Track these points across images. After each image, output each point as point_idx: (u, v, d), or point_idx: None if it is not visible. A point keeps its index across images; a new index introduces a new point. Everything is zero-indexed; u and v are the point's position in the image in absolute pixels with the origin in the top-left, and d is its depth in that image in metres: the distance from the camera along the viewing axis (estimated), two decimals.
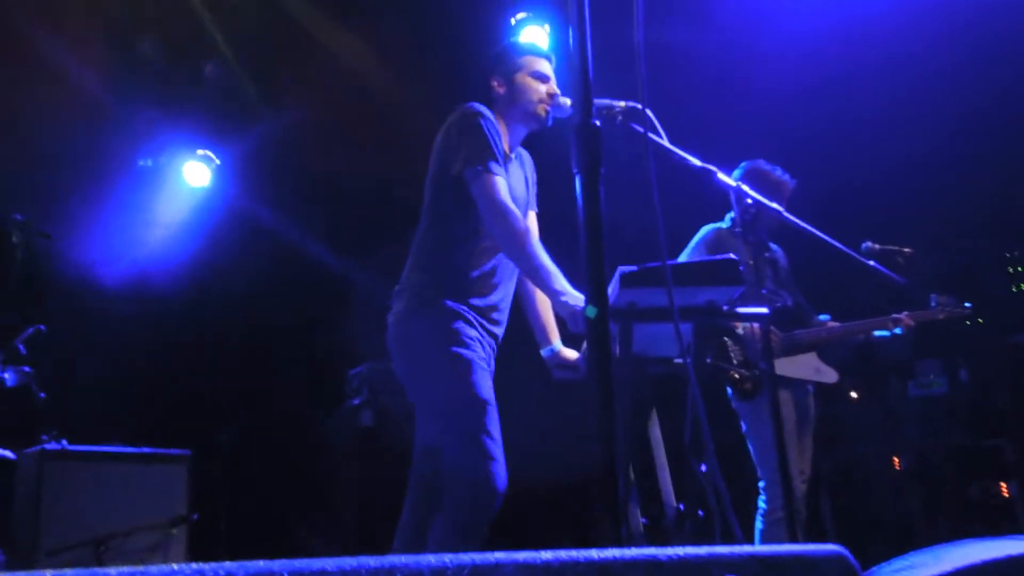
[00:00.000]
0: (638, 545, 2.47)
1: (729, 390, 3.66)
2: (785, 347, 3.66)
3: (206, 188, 6.16)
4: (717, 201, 3.70)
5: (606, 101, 2.56)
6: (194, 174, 6.11)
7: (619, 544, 1.43)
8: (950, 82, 5.34)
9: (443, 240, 2.63)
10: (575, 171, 1.64)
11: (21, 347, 4.18)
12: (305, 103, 5.80)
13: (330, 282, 6.44)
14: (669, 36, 4.24)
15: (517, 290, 2.80)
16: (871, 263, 3.25)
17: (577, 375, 2.79)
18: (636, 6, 1.94)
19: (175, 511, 4.21)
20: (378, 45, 5.62)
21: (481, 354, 2.53)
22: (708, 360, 3.38)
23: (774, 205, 3.01)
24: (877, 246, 3.56)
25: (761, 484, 3.63)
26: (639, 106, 2.40)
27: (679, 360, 2.63)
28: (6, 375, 4.13)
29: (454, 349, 2.47)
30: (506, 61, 2.80)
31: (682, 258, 3.75)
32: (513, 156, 2.78)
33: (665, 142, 2.59)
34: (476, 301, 2.59)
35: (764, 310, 2.58)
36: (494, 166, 2.52)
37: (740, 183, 2.89)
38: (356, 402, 5.56)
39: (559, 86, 2.79)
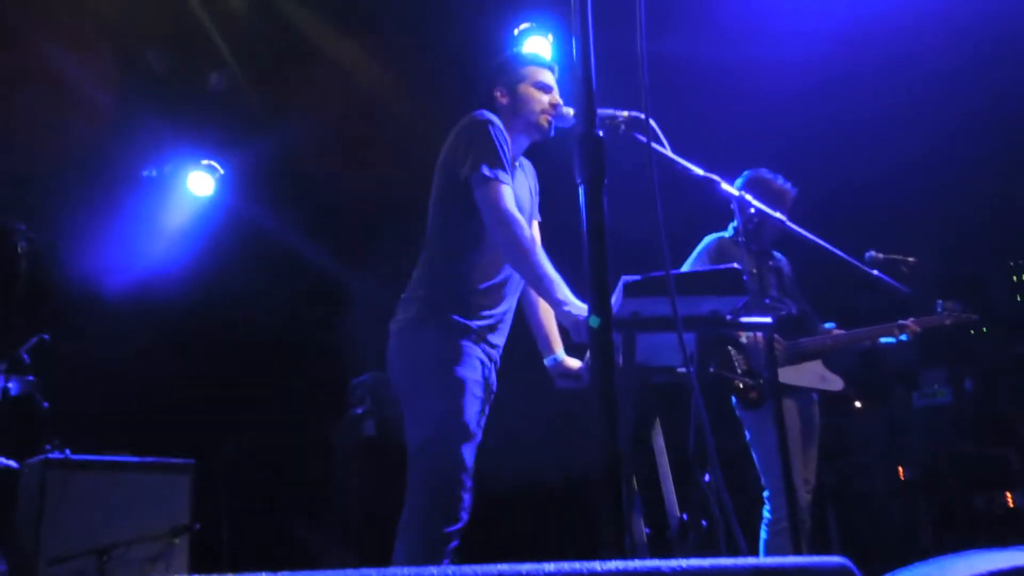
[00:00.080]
0: (641, 556, 2.46)
1: (733, 399, 3.65)
2: (790, 355, 3.65)
3: (210, 198, 6.18)
4: (720, 211, 3.71)
5: (609, 111, 2.56)
6: (198, 184, 6.13)
7: (622, 555, 1.42)
8: (953, 89, 5.35)
9: (451, 249, 2.63)
10: (579, 181, 1.64)
11: (25, 356, 4.19)
12: (309, 113, 5.82)
13: (333, 291, 6.45)
14: (671, 46, 4.25)
15: (520, 299, 2.80)
16: (875, 272, 3.24)
17: (580, 384, 2.79)
18: (639, 16, 1.95)
19: (178, 521, 4.20)
20: (382, 56, 5.64)
21: (476, 377, 2.53)
22: (712, 369, 3.37)
23: (777, 214, 3.01)
24: (881, 255, 3.55)
25: (766, 494, 3.62)
26: (642, 116, 2.40)
27: (682, 369, 2.63)
28: (10, 384, 4.14)
29: (454, 368, 2.48)
30: (509, 71, 2.80)
31: (685, 268, 3.75)
32: (517, 165, 2.79)
33: (668, 152, 2.59)
34: (483, 313, 2.58)
35: (767, 319, 2.58)
36: (501, 174, 2.52)
37: (743, 192, 2.89)
38: (359, 411, 5.55)
39: (562, 96, 2.79)
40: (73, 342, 5.08)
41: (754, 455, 3.65)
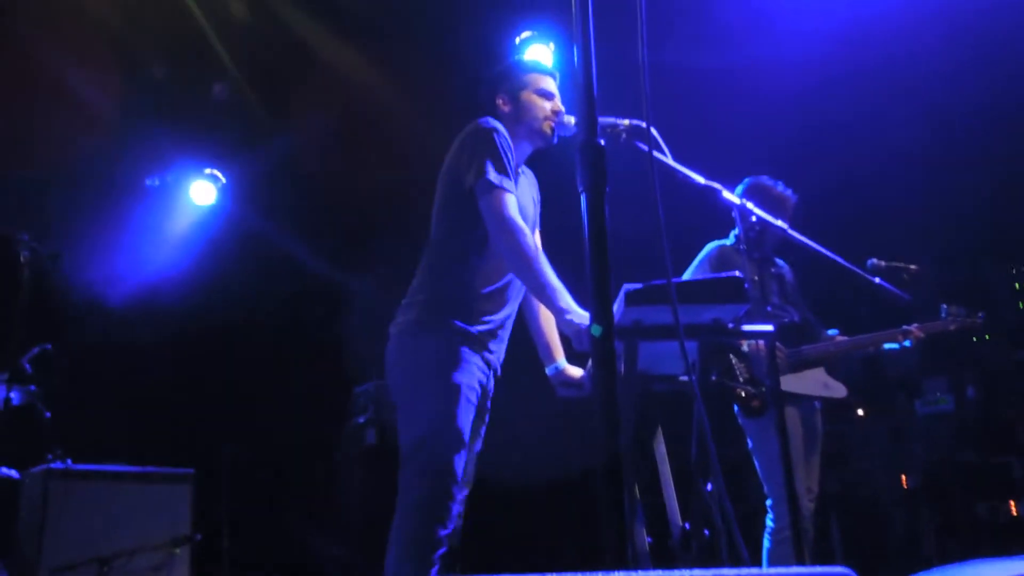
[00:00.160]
0: (643, 565, 2.46)
1: (735, 407, 3.64)
2: (792, 363, 3.64)
3: (212, 206, 6.19)
4: (721, 218, 3.71)
5: (610, 119, 2.56)
6: (201, 193, 6.14)
7: (624, 564, 1.42)
8: (955, 97, 5.35)
9: (453, 254, 2.63)
10: (580, 189, 1.65)
11: (27, 366, 4.20)
12: (311, 122, 5.83)
13: (335, 298, 6.45)
14: (672, 54, 4.26)
15: (521, 307, 2.80)
16: (877, 280, 3.24)
17: (582, 393, 2.78)
18: (640, 24, 1.95)
19: (179, 531, 4.20)
20: (384, 64, 5.66)
21: (473, 384, 2.52)
22: (713, 377, 3.36)
23: (778, 222, 3.01)
24: (883, 263, 3.55)
25: (768, 502, 3.60)
26: (643, 124, 2.41)
27: (684, 378, 2.63)
28: (12, 394, 4.14)
29: (451, 373, 2.48)
30: (511, 79, 2.80)
31: (686, 276, 3.74)
32: (520, 173, 2.79)
33: (669, 160, 2.59)
34: (484, 319, 2.58)
35: (769, 327, 2.57)
36: (506, 182, 2.52)
37: (744, 200, 2.90)
38: (361, 420, 5.55)
39: (563, 104, 2.79)
40: (75, 352, 5.08)
41: (756, 463, 3.64)
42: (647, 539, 2.53)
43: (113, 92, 5.41)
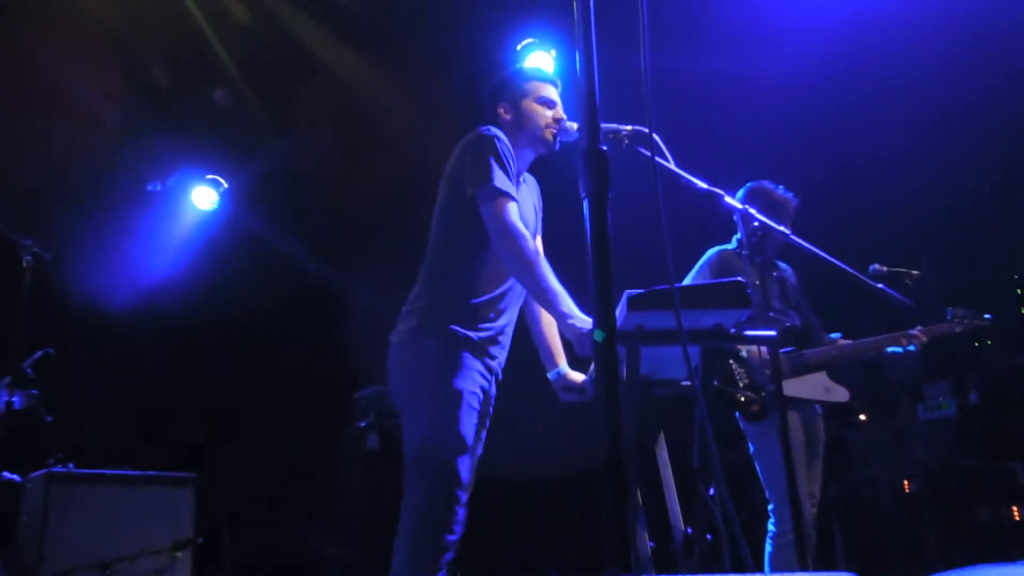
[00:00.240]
0: (646, 570, 2.45)
1: (737, 412, 3.64)
2: (794, 367, 3.64)
3: (214, 211, 6.21)
4: (723, 223, 3.71)
5: (613, 125, 2.57)
6: (202, 198, 6.16)
7: (627, 569, 1.42)
8: (955, 97, 5.35)
9: (454, 261, 2.63)
10: (583, 195, 1.65)
11: (29, 370, 4.20)
12: (312, 128, 5.84)
13: (336, 304, 6.46)
14: (674, 59, 4.26)
15: (523, 312, 2.80)
16: (879, 285, 3.24)
17: (584, 398, 2.79)
18: (642, 30, 1.96)
19: (181, 534, 4.20)
20: (386, 71, 5.67)
21: (475, 389, 2.53)
22: (715, 383, 3.37)
23: (780, 227, 3.01)
24: (885, 268, 3.55)
25: (770, 507, 3.60)
26: (645, 130, 2.41)
27: (686, 382, 2.63)
28: (14, 398, 4.14)
29: (452, 379, 2.48)
30: (512, 87, 2.81)
31: (688, 281, 3.74)
32: (522, 180, 2.80)
33: (672, 165, 2.60)
34: (483, 326, 2.59)
35: (772, 332, 2.57)
36: (507, 189, 2.53)
37: (745, 205, 2.90)
38: (362, 424, 5.55)
39: (565, 111, 2.80)
40: (78, 356, 5.09)
41: (758, 468, 3.64)
42: (650, 544, 2.53)
43: (115, 98, 5.43)
